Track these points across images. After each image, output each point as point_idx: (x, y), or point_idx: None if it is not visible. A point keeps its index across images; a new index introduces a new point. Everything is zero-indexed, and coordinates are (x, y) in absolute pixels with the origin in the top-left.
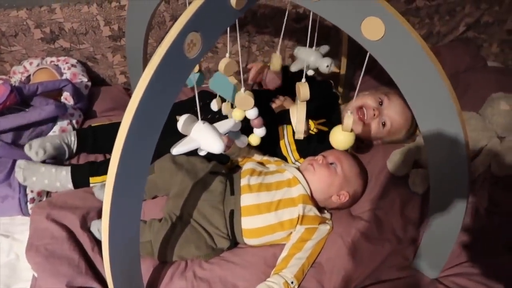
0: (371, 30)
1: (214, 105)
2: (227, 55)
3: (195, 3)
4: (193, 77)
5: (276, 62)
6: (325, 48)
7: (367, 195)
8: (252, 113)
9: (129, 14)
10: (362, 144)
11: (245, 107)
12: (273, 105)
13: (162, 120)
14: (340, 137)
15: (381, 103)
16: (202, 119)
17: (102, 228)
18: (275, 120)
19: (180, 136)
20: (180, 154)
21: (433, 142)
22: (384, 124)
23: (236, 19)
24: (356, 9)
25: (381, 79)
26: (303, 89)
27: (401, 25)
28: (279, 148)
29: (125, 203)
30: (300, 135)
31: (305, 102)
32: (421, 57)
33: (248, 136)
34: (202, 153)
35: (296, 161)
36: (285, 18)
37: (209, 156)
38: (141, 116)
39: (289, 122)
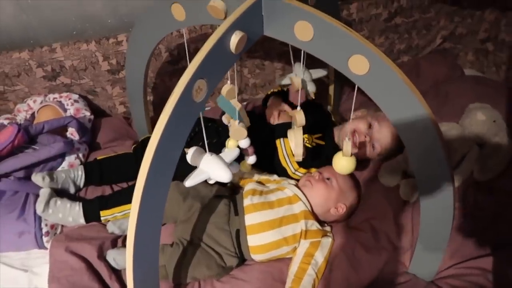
0: (357, 66)
1: (225, 120)
2: (229, 81)
3: (201, 53)
4: None
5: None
6: (320, 72)
7: (362, 207)
8: (244, 143)
9: (130, 50)
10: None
11: (238, 138)
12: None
13: (177, 156)
14: (343, 163)
15: (370, 126)
16: (208, 146)
17: (127, 256)
18: (272, 134)
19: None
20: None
21: (418, 158)
22: (374, 147)
23: (234, 63)
24: (343, 48)
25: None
26: (299, 116)
27: (383, 61)
28: (278, 160)
29: (147, 232)
30: (299, 158)
31: (301, 128)
32: (403, 89)
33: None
34: (211, 182)
35: (296, 170)
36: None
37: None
38: (159, 155)
39: (286, 135)
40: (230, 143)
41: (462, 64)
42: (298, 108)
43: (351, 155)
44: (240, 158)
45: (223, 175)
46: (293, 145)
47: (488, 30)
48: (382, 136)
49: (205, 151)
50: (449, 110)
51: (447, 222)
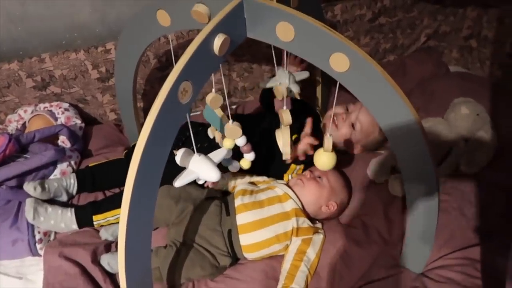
0: (338, 64)
1: (210, 133)
2: (213, 90)
3: (185, 56)
4: None
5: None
6: (302, 75)
7: (353, 203)
8: (241, 141)
9: (118, 57)
10: (344, 155)
11: (234, 137)
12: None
13: (165, 157)
14: (324, 159)
15: (347, 109)
16: (197, 150)
17: (118, 260)
18: (264, 135)
19: (172, 166)
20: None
21: (402, 153)
22: (354, 126)
23: (219, 65)
24: (324, 46)
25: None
26: (285, 115)
27: (363, 58)
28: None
29: (138, 236)
30: (288, 157)
31: (289, 127)
32: (383, 85)
33: (239, 161)
34: (200, 182)
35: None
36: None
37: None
38: (147, 155)
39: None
40: (226, 143)
41: (447, 61)
42: (284, 107)
43: (333, 151)
44: (240, 156)
45: (212, 175)
46: (281, 144)
47: (471, 27)
48: (360, 115)
49: (194, 152)
50: (436, 106)
51: (433, 216)
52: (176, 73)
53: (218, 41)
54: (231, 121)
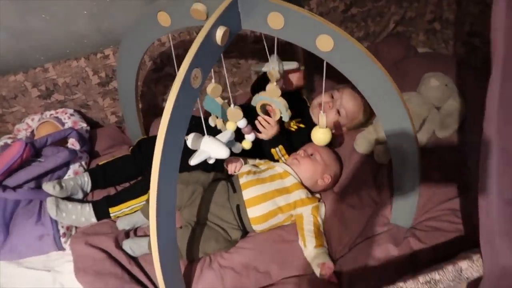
0: (324, 44)
1: (211, 122)
2: (213, 80)
3: (194, 46)
4: None
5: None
6: (291, 65)
7: (344, 175)
8: (242, 123)
9: (119, 64)
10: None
11: (235, 119)
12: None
13: (183, 136)
14: (320, 135)
15: (332, 97)
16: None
17: (151, 237)
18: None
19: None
20: (183, 171)
21: (386, 121)
22: (339, 112)
23: (221, 54)
24: (310, 30)
25: (337, 79)
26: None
27: (345, 37)
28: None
29: (165, 212)
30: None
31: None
32: (364, 59)
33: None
34: (211, 161)
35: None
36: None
37: (209, 169)
38: (170, 134)
39: (279, 144)
40: (229, 125)
41: (415, 44)
42: (275, 83)
43: (326, 127)
44: (242, 138)
45: (222, 152)
46: (284, 110)
47: (433, 12)
48: (344, 102)
49: (203, 136)
50: (409, 83)
51: (416, 176)
52: (188, 61)
53: (220, 32)
54: (232, 105)
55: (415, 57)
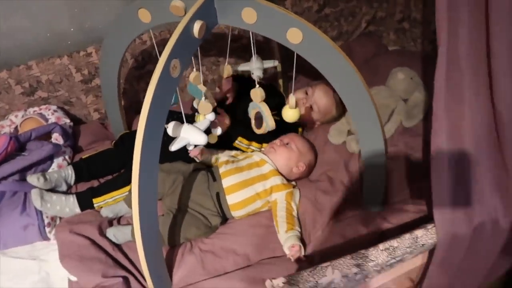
0: (294, 37)
1: (195, 104)
2: (194, 69)
3: (173, 38)
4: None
5: (226, 70)
6: (270, 63)
7: (318, 163)
8: (211, 116)
9: (102, 61)
10: (306, 128)
11: (205, 112)
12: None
13: (163, 120)
14: (289, 113)
15: (306, 93)
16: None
17: (134, 225)
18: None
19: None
20: (165, 163)
21: (353, 110)
22: (312, 107)
23: (198, 46)
24: (281, 24)
25: (313, 77)
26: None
27: (313, 30)
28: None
29: (146, 201)
30: (273, 127)
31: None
32: (331, 51)
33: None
34: (190, 148)
35: (260, 148)
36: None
37: (190, 160)
38: (150, 121)
39: (239, 135)
40: (200, 117)
41: (386, 43)
42: (257, 86)
43: (296, 107)
44: (208, 132)
45: (200, 139)
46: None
47: (402, 11)
48: (317, 98)
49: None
50: (379, 78)
51: (382, 163)
52: (167, 52)
53: (197, 26)
54: (203, 98)
55: (385, 54)
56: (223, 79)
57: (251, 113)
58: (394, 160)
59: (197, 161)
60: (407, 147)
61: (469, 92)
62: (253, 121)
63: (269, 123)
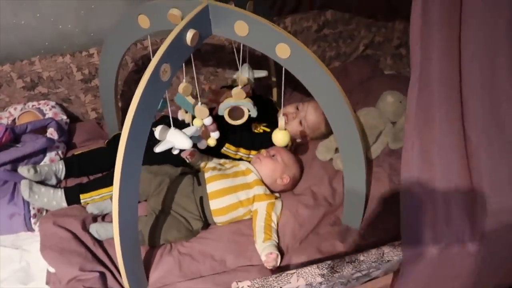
0: (282, 52)
1: (180, 115)
2: (184, 80)
3: (165, 43)
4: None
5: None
6: (261, 73)
7: (304, 178)
8: (208, 121)
9: (102, 61)
10: (295, 142)
11: (202, 117)
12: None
13: (149, 122)
14: (280, 136)
15: (297, 108)
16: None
17: (113, 223)
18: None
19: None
20: (153, 165)
21: (335, 126)
22: (301, 123)
23: (191, 54)
24: (271, 39)
25: (308, 93)
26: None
27: (300, 47)
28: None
29: (127, 200)
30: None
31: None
32: (316, 68)
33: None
34: (175, 152)
35: (248, 155)
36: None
37: (178, 164)
38: (136, 121)
39: (226, 142)
40: (196, 121)
41: (383, 67)
42: (240, 86)
43: (285, 129)
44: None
45: (185, 143)
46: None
47: (400, 38)
48: (307, 114)
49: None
50: (371, 100)
51: (362, 183)
52: (158, 56)
53: (190, 34)
54: (199, 103)
55: (379, 77)
56: (211, 90)
57: (225, 112)
58: (377, 180)
59: (188, 161)
60: (391, 168)
61: (439, 115)
62: (226, 115)
63: (254, 111)
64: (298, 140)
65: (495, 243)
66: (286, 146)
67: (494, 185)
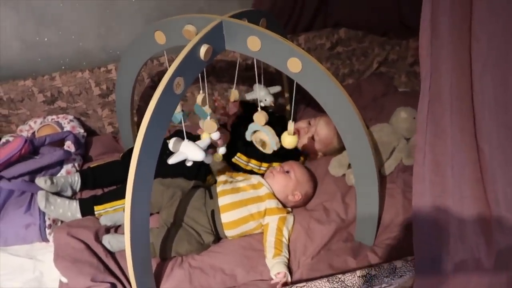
0: (294, 66)
1: (200, 123)
2: (201, 92)
3: (179, 58)
4: (179, 115)
5: (233, 95)
6: (276, 88)
7: (317, 193)
8: (215, 135)
9: (119, 76)
10: (308, 157)
11: (210, 131)
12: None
13: (162, 134)
14: (288, 139)
15: (309, 123)
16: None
17: (125, 234)
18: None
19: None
20: (166, 178)
21: (347, 141)
22: (313, 138)
23: (204, 68)
24: (282, 53)
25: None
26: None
27: (311, 61)
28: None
29: (139, 211)
30: (279, 145)
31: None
32: (327, 82)
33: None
34: (189, 164)
35: (259, 166)
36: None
37: (191, 178)
38: (150, 132)
39: (238, 151)
40: (203, 135)
41: (397, 85)
42: (259, 109)
43: (294, 133)
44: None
45: (198, 155)
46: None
47: (414, 55)
48: (318, 129)
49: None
50: (384, 116)
51: (375, 200)
52: (172, 69)
53: (203, 49)
54: (208, 117)
55: (393, 94)
56: (230, 102)
57: (253, 135)
58: (390, 196)
59: (212, 156)
60: (405, 185)
61: (451, 127)
62: (257, 144)
63: (274, 143)
64: (311, 155)
65: (510, 259)
66: (298, 159)
67: (509, 199)
